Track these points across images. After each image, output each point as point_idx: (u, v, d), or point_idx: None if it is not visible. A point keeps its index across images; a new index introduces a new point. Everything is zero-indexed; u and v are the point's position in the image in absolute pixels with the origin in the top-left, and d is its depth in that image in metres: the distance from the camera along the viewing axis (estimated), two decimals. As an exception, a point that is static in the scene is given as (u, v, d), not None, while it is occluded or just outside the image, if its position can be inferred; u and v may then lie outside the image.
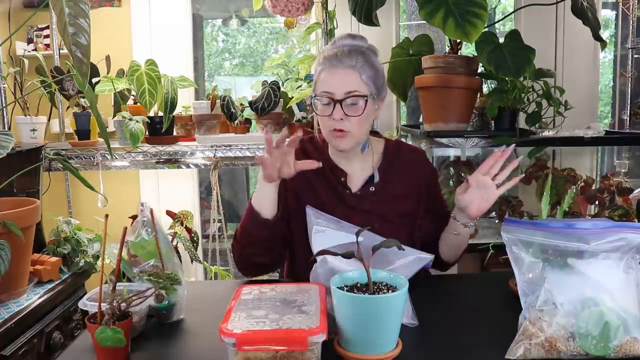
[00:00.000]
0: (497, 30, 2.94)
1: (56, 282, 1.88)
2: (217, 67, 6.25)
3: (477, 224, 2.25)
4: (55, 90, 2.40)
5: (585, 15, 1.85)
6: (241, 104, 2.54)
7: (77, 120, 2.42)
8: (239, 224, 1.34)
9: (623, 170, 2.17)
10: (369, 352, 0.91)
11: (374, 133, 1.51)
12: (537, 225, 0.99)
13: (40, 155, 2.23)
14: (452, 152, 2.43)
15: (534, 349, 0.92)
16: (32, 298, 1.72)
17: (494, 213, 2.31)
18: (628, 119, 2.14)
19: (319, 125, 1.38)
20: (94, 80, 2.32)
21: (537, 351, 0.92)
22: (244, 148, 2.43)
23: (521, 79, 1.83)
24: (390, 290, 0.94)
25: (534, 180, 2.04)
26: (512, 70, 1.71)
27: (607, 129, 2.12)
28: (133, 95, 2.47)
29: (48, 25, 2.71)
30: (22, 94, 2.35)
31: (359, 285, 0.97)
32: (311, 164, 1.25)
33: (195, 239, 1.92)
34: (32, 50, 2.68)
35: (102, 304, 0.95)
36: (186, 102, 2.62)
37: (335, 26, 2.21)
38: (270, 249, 1.34)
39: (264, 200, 1.28)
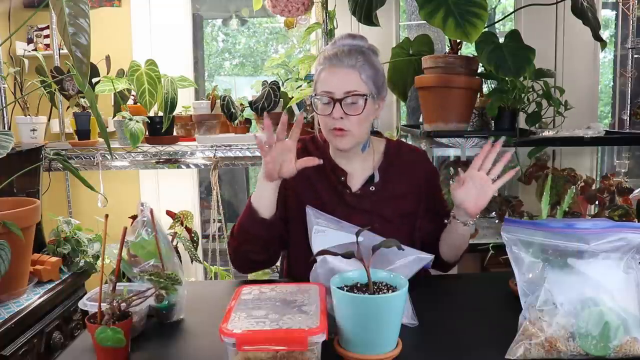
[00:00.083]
0: (497, 30, 2.94)
1: (56, 282, 1.88)
2: (217, 67, 6.25)
3: (477, 223, 2.25)
4: (55, 90, 2.40)
5: (585, 15, 1.85)
6: (241, 104, 2.54)
7: (77, 120, 2.42)
8: (237, 221, 1.34)
9: (623, 170, 2.17)
10: (369, 352, 0.91)
11: (375, 133, 1.51)
12: (537, 225, 0.99)
13: (40, 155, 2.23)
14: (452, 152, 2.44)
15: (534, 349, 0.92)
16: (32, 298, 1.72)
17: (494, 213, 2.31)
18: (628, 119, 2.14)
19: (319, 125, 1.38)
20: (94, 80, 2.32)
21: (537, 351, 0.92)
22: (244, 148, 2.43)
23: (521, 79, 1.83)
24: (390, 290, 0.94)
25: (534, 180, 2.04)
26: (512, 70, 1.71)
27: (607, 129, 2.12)
28: (133, 95, 2.47)
29: (48, 25, 2.71)
30: (22, 94, 2.35)
31: (359, 285, 0.97)
32: (312, 161, 1.25)
33: (195, 239, 1.92)
34: (32, 50, 2.68)
35: (102, 304, 0.95)
36: (186, 102, 2.63)
37: (335, 26, 2.21)
38: (266, 247, 1.35)
39: (263, 199, 1.28)
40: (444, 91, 1.89)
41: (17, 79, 2.37)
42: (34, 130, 2.35)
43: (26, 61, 2.55)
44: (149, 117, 2.35)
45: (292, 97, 2.30)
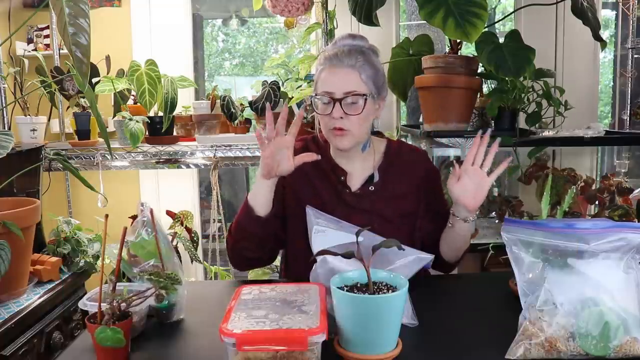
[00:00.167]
0: (497, 30, 2.94)
1: (56, 282, 1.88)
2: (217, 67, 6.25)
3: (477, 223, 2.25)
4: (55, 90, 2.40)
5: (585, 15, 1.85)
6: (241, 104, 2.54)
7: (77, 120, 2.42)
8: (234, 219, 1.36)
9: (623, 170, 2.17)
10: (369, 352, 0.91)
11: (376, 133, 1.51)
12: (537, 225, 0.99)
13: (40, 155, 2.23)
14: (452, 152, 2.44)
15: (534, 349, 0.92)
16: (32, 298, 1.72)
17: (494, 213, 2.31)
18: (628, 119, 2.14)
19: (319, 125, 1.38)
20: (94, 80, 2.32)
21: (537, 351, 0.92)
22: (244, 148, 2.43)
23: (521, 79, 1.83)
24: (390, 290, 0.94)
25: (534, 180, 2.04)
26: (512, 70, 1.71)
27: (607, 129, 2.12)
28: (133, 95, 2.47)
29: (48, 25, 2.71)
30: (22, 94, 2.35)
31: (359, 285, 0.97)
32: (310, 156, 1.26)
33: (195, 239, 1.92)
34: (32, 50, 2.68)
35: (102, 304, 0.95)
36: (186, 102, 2.63)
37: (335, 26, 2.21)
38: (261, 245, 1.36)
39: (259, 197, 1.29)
40: (444, 91, 1.89)
41: (17, 79, 2.37)
42: (34, 130, 2.35)
43: (26, 61, 2.55)
44: (149, 117, 2.35)
45: (292, 97, 2.30)
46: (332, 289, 0.93)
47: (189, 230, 1.91)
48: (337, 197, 1.38)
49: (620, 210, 1.66)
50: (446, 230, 1.37)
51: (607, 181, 1.96)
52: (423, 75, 1.97)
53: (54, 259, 1.91)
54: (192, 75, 2.93)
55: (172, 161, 2.55)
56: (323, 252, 1.02)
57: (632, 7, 2.11)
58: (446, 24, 1.57)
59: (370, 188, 1.39)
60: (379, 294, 0.93)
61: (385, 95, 1.39)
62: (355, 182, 1.41)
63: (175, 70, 2.48)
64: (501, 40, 1.80)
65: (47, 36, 2.74)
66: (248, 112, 2.52)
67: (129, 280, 1.15)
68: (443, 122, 1.92)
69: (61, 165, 2.12)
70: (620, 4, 2.19)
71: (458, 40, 1.93)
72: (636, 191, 1.83)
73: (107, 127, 2.60)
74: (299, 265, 1.38)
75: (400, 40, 2.36)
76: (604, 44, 2.01)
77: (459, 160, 2.26)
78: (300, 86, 2.39)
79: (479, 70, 1.97)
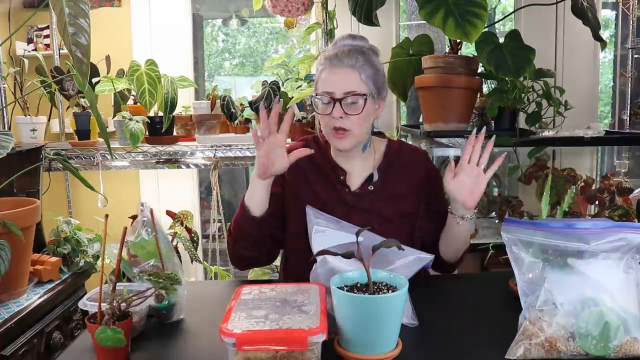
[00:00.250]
0: (497, 30, 2.94)
1: (56, 282, 1.88)
2: (217, 67, 6.26)
3: (477, 223, 2.25)
4: (55, 90, 2.40)
5: (585, 15, 1.85)
6: (241, 104, 2.54)
7: (77, 120, 2.42)
8: (233, 218, 1.37)
9: (623, 170, 2.17)
10: (369, 352, 0.91)
11: (378, 134, 1.51)
12: (537, 225, 0.99)
13: (40, 155, 2.23)
14: (452, 152, 2.43)
15: (534, 349, 0.92)
16: (32, 298, 1.72)
17: (494, 213, 2.31)
18: (628, 119, 2.14)
19: (319, 125, 1.38)
20: (94, 80, 2.32)
21: (537, 351, 0.91)
22: (244, 148, 2.43)
23: (521, 79, 1.83)
24: (390, 290, 0.94)
25: (534, 180, 2.04)
26: (512, 70, 1.71)
27: (607, 129, 2.12)
28: (133, 95, 2.47)
29: (48, 25, 2.71)
30: (22, 94, 2.35)
31: (359, 285, 0.97)
32: (304, 151, 1.27)
33: (195, 239, 1.92)
34: (32, 50, 2.68)
35: (102, 304, 0.95)
36: (186, 102, 2.62)
37: (335, 26, 2.21)
38: (257, 245, 1.38)
39: (255, 197, 1.30)
40: (444, 91, 1.89)
41: (17, 79, 2.37)
42: (34, 130, 2.35)
43: (26, 61, 2.54)
44: (149, 117, 2.35)
45: (292, 97, 2.30)
46: (332, 289, 0.93)
47: (189, 230, 1.91)
48: (337, 197, 1.39)
49: (620, 210, 1.66)
50: (445, 230, 1.37)
51: (607, 181, 1.96)
52: (423, 75, 1.97)
53: (54, 259, 1.91)
54: (192, 75, 2.93)
55: (172, 161, 2.55)
56: (323, 252, 1.02)
57: (632, 7, 2.11)
58: (446, 24, 1.57)
59: (369, 188, 1.39)
60: (379, 294, 0.93)
61: (385, 95, 1.39)
62: (354, 181, 1.41)
63: (175, 70, 2.48)
64: (501, 40, 1.80)
65: (47, 36, 2.74)
66: (248, 112, 2.52)
67: (129, 280, 1.15)
68: (443, 122, 1.92)
69: (61, 165, 2.12)
70: (620, 4, 2.19)
71: (458, 40, 1.93)
72: (636, 191, 1.83)
73: (107, 127, 2.60)
74: (299, 265, 1.38)
75: (400, 40, 2.36)
76: (604, 44, 2.01)
77: (458, 160, 2.27)
78: (300, 86, 2.39)
79: (479, 70, 1.97)
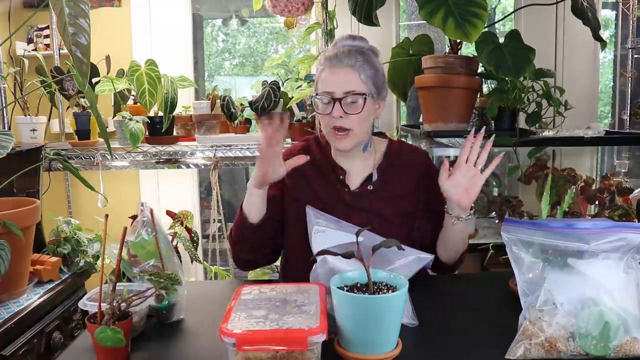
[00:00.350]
0: (497, 30, 2.94)
1: (56, 282, 1.88)
2: (217, 67, 6.26)
3: (477, 223, 2.25)
4: (55, 90, 2.40)
5: (585, 15, 1.85)
6: (241, 104, 2.54)
7: (77, 120, 2.42)
8: (234, 222, 1.39)
9: (623, 170, 2.17)
10: (369, 352, 0.91)
11: (378, 134, 1.52)
12: (537, 225, 0.99)
13: (40, 155, 2.23)
14: (452, 152, 2.43)
15: (534, 349, 0.92)
16: (32, 298, 1.72)
17: (494, 213, 2.31)
18: (628, 119, 2.14)
19: (320, 125, 1.38)
20: (94, 80, 2.32)
21: (537, 351, 0.91)
22: (244, 148, 2.43)
23: (521, 79, 1.83)
24: (390, 290, 0.94)
25: (534, 180, 2.04)
26: (512, 70, 1.71)
27: (607, 129, 2.12)
28: (133, 95, 2.47)
29: (48, 25, 2.71)
30: (22, 94, 2.35)
31: (359, 285, 0.97)
32: (299, 159, 1.28)
33: (195, 239, 1.92)
34: (32, 50, 2.68)
35: (102, 304, 0.95)
36: (186, 102, 2.62)
37: (335, 26, 2.21)
38: (254, 250, 1.40)
39: (253, 205, 1.32)
40: (444, 91, 1.89)
41: (17, 79, 2.37)
42: (34, 130, 2.35)
43: (26, 61, 2.54)
44: (149, 117, 2.35)
45: (292, 97, 2.30)
46: (332, 289, 0.93)
47: (189, 230, 1.91)
48: (336, 196, 1.39)
49: (620, 210, 1.66)
50: (442, 231, 1.37)
51: (607, 181, 1.96)
52: (423, 75, 1.97)
53: (54, 259, 1.91)
54: (192, 75, 2.93)
55: (172, 161, 2.55)
56: (323, 252, 1.02)
57: (632, 7, 2.11)
58: (446, 24, 1.57)
59: (369, 187, 1.39)
60: (379, 294, 0.93)
61: (385, 95, 1.39)
62: (354, 181, 1.41)
63: (175, 70, 2.48)
64: (501, 40, 1.80)
65: (47, 36, 2.74)
66: (248, 112, 2.52)
67: (129, 280, 1.15)
68: (443, 122, 1.92)
69: (61, 165, 2.12)
70: (620, 4, 2.19)
71: (458, 40, 1.93)
72: (636, 191, 1.83)
73: (107, 127, 2.60)
74: (298, 265, 1.38)
75: (400, 40, 2.36)
76: (604, 44, 2.01)
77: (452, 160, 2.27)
78: (300, 86, 2.39)
79: (479, 70, 1.97)
